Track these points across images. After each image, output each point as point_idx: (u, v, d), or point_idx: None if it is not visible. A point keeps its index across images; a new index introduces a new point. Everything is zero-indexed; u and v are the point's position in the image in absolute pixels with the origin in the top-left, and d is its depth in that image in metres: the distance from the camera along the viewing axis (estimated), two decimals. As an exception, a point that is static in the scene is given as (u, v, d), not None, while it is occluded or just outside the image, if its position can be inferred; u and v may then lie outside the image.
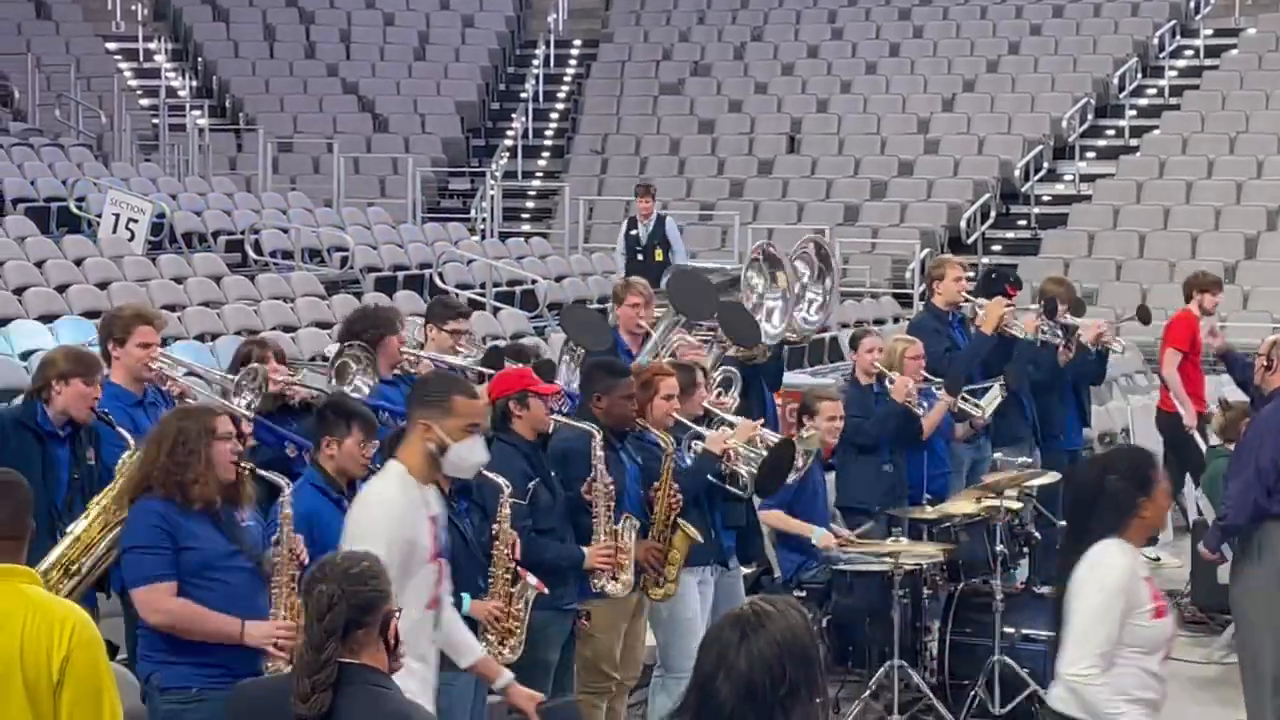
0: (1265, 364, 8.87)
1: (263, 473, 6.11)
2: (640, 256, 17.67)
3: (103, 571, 6.33)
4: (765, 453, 8.02)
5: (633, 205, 18.63)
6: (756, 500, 8.73)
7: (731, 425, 8.18)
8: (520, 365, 8.01)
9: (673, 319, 9.34)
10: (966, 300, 10.91)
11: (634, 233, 18.00)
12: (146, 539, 5.74)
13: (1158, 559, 12.11)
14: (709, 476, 7.93)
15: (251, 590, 5.85)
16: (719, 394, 8.84)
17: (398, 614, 4.24)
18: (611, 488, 7.34)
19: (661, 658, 8.09)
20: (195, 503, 5.77)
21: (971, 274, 11.36)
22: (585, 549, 7.29)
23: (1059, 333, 10.91)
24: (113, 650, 5.89)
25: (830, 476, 9.92)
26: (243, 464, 5.97)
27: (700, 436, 8.04)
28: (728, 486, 8.04)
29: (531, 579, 6.75)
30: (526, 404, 7.21)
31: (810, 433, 9.05)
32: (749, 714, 3.63)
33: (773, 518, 9.21)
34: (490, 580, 6.73)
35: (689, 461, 7.98)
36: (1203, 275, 12.84)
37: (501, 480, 6.67)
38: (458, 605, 6.52)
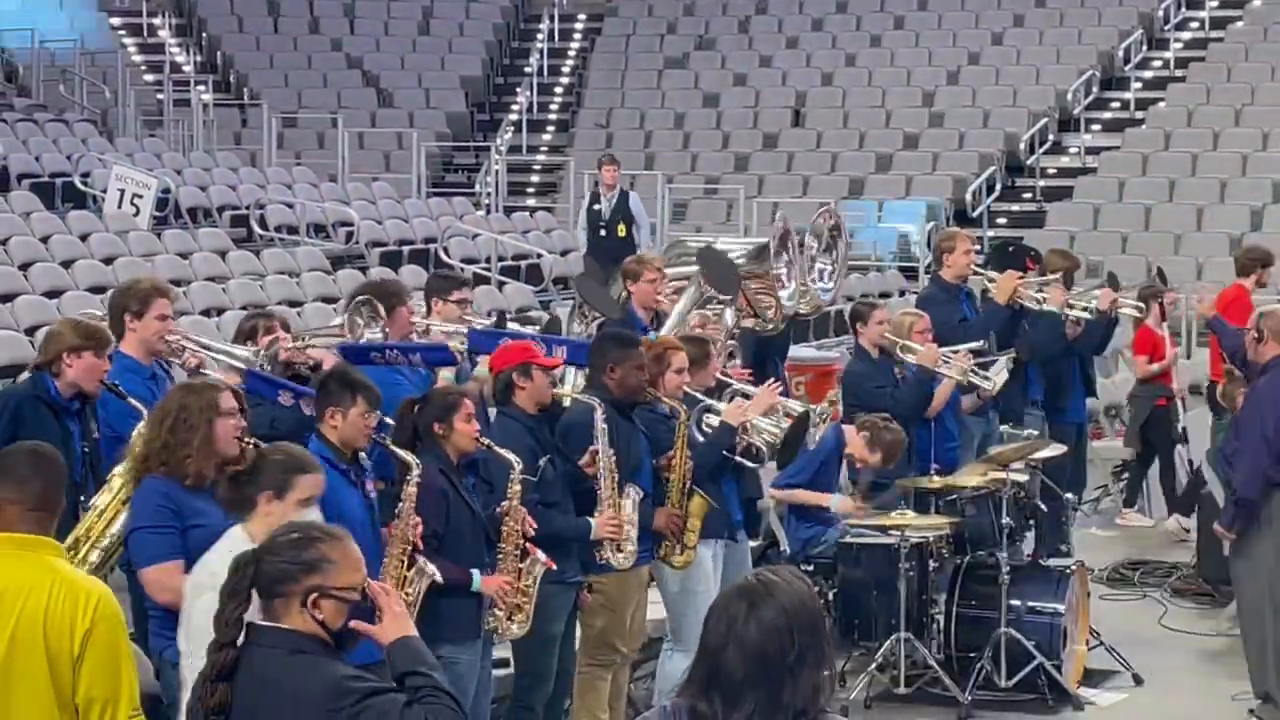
0: (1255, 336, 8.83)
1: (266, 447, 6.08)
2: (603, 232, 17.13)
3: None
4: (785, 423, 8.03)
5: (636, 180, 18.49)
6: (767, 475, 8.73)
7: (747, 396, 8.17)
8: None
9: (698, 294, 9.34)
10: (976, 273, 10.87)
11: (596, 207, 17.35)
12: (152, 519, 5.73)
13: (1189, 530, 12.03)
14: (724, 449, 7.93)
15: None
16: (734, 365, 8.85)
17: (342, 595, 4.02)
18: (614, 459, 7.33)
19: (673, 631, 8.06)
20: (189, 479, 5.77)
21: (979, 248, 11.27)
22: (591, 520, 7.28)
23: (1088, 305, 10.76)
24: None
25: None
26: (246, 439, 5.93)
27: (712, 409, 8.03)
28: (739, 458, 8.03)
29: (541, 555, 6.77)
30: (530, 375, 7.21)
31: (824, 405, 9.01)
32: (760, 683, 3.63)
33: (791, 495, 9.22)
34: (500, 556, 6.74)
35: (698, 434, 7.97)
36: (1258, 248, 12.52)
37: (513, 457, 6.68)
38: (468, 582, 6.54)
